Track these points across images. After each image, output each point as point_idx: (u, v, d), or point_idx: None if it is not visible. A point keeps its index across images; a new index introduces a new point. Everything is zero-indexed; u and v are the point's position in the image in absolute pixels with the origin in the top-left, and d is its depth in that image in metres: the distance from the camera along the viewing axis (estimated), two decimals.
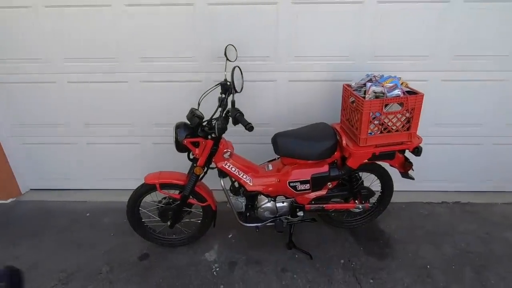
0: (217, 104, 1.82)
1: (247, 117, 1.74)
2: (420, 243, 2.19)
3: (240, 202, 2.03)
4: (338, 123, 2.16)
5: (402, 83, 1.89)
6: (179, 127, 1.81)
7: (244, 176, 1.95)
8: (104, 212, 2.55)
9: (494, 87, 2.33)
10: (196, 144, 1.83)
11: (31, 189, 2.88)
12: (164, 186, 1.94)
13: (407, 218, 2.44)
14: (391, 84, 1.82)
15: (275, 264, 2.03)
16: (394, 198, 2.25)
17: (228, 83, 1.77)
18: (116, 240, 2.25)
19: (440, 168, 2.63)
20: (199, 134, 1.81)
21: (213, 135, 1.82)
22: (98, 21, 2.21)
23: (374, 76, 1.95)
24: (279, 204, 2.02)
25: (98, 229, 2.37)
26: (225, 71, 1.81)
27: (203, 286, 1.89)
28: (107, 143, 2.63)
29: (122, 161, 2.69)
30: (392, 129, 1.83)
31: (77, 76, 2.38)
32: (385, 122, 1.81)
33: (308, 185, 1.95)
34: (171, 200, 2.02)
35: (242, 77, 1.85)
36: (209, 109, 1.84)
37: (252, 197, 2.03)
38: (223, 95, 1.81)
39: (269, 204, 2.01)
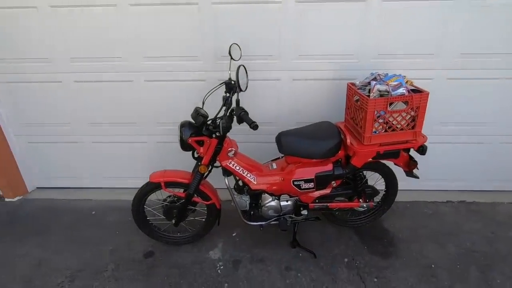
0: (221, 103, 1.83)
1: (251, 116, 1.74)
2: (424, 242, 2.18)
3: (244, 200, 2.04)
4: (342, 122, 2.16)
5: (407, 82, 1.88)
6: (183, 126, 1.82)
7: (248, 175, 1.95)
8: (109, 210, 2.57)
9: (500, 85, 2.30)
10: (200, 143, 1.84)
11: (37, 188, 2.91)
12: (169, 184, 1.95)
13: (411, 217, 2.43)
14: (396, 83, 1.81)
15: (279, 263, 2.04)
16: (399, 197, 2.24)
17: (233, 82, 1.78)
18: (121, 238, 2.27)
19: (445, 167, 2.62)
20: (203, 133, 1.82)
21: (217, 134, 1.83)
22: (103, 21, 2.22)
23: (378, 74, 1.95)
24: (283, 203, 2.03)
25: (103, 227, 2.39)
26: (230, 70, 1.81)
27: (208, 284, 1.91)
28: (112, 142, 2.64)
29: (127, 159, 2.71)
30: (397, 127, 1.82)
31: (83, 76, 2.40)
32: (389, 121, 1.80)
33: (312, 183, 1.95)
34: (175, 199, 2.03)
35: (247, 76, 1.86)
36: (213, 108, 1.85)
37: (256, 196, 2.04)
38: (228, 94, 1.82)
39: (273, 203, 2.01)
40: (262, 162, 2.13)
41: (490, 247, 2.13)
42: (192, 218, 2.16)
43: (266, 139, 2.41)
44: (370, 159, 1.91)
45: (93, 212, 2.57)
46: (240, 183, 2.05)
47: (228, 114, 1.81)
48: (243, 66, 1.78)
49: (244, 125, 1.71)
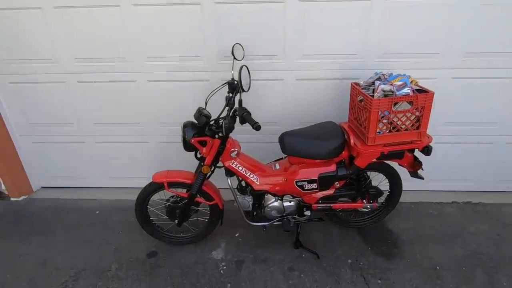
0: (224, 103, 1.83)
1: (254, 116, 1.74)
2: (429, 243, 2.16)
3: (247, 201, 2.03)
4: (346, 122, 2.14)
5: (411, 81, 1.85)
6: (186, 126, 1.82)
7: (251, 175, 1.95)
8: (113, 210, 2.59)
9: (506, 84, 2.27)
10: (203, 143, 1.84)
11: (42, 187, 2.94)
12: (171, 184, 1.95)
13: (416, 218, 2.41)
14: (400, 83, 1.79)
15: (282, 263, 2.03)
16: (403, 198, 2.22)
17: (235, 82, 1.77)
18: (125, 237, 2.28)
19: (451, 168, 2.59)
20: (206, 133, 1.82)
21: (220, 134, 1.83)
22: (106, 21, 2.23)
23: (383, 74, 1.92)
24: (286, 204, 2.02)
25: (107, 227, 2.40)
26: (232, 70, 1.81)
27: (210, 284, 1.91)
28: (115, 142, 2.66)
29: (131, 159, 2.72)
30: (401, 128, 1.80)
31: (86, 76, 2.41)
32: (394, 121, 1.78)
33: (316, 184, 1.94)
34: (178, 199, 2.03)
35: (250, 76, 1.85)
36: (216, 108, 1.85)
37: (259, 196, 2.03)
38: (231, 94, 1.81)
39: (276, 203, 2.01)
40: (265, 162, 2.12)
41: (496, 249, 2.10)
42: (195, 218, 2.16)
43: (269, 139, 2.41)
44: (374, 160, 1.90)
45: (97, 212, 2.58)
46: (243, 183, 2.05)
47: (231, 114, 1.81)
48: (246, 66, 1.77)
49: (247, 126, 1.70)
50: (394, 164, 2.03)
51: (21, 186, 2.79)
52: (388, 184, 2.18)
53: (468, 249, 2.10)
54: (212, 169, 1.94)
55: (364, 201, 2.07)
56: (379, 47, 2.21)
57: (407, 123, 1.79)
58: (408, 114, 1.77)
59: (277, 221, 2.05)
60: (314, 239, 2.21)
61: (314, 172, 1.93)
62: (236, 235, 2.28)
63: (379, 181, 2.20)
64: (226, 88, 1.84)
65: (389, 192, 2.21)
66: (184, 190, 2.00)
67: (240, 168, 1.92)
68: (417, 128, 1.81)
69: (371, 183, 2.14)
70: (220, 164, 1.95)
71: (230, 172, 1.95)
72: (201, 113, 1.80)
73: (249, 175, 1.94)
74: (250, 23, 2.18)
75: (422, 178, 2.01)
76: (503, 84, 2.27)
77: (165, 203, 2.06)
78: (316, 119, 2.25)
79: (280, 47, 2.24)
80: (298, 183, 1.94)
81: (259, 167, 2.01)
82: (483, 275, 1.91)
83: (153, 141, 2.64)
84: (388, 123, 1.79)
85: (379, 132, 1.81)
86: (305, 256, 2.09)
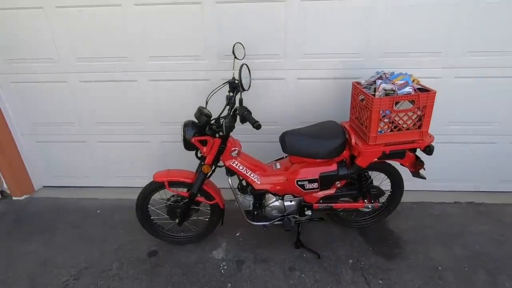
0: (225, 102, 1.82)
1: (255, 115, 1.74)
2: (431, 244, 2.14)
3: (248, 200, 2.03)
4: (347, 122, 2.13)
5: (413, 80, 1.84)
6: (187, 125, 1.82)
7: (252, 175, 1.94)
8: (114, 209, 2.59)
9: (510, 84, 2.25)
10: (204, 143, 1.83)
11: (44, 186, 2.95)
12: (172, 184, 1.95)
13: (417, 218, 2.39)
14: (402, 82, 1.78)
15: (283, 263, 2.03)
16: (405, 198, 2.21)
17: (236, 81, 1.77)
18: (126, 237, 2.29)
19: (453, 168, 2.57)
20: (207, 132, 1.82)
21: (221, 134, 1.82)
22: (108, 21, 2.23)
23: (384, 73, 1.92)
24: (287, 203, 2.01)
25: (108, 226, 2.40)
26: (233, 69, 1.80)
27: (211, 284, 1.90)
28: (117, 141, 2.66)
29: (132, 159, 2.73)
30: (403, 127, 1.79)
31: (88, 76, 2.42)
32: (395, 120, 1.77)
33: (316, 184, 1.93)
34: (179, 198, 2.03)
35: (250, 75, 1.85)
36: (217, 108, 1.84)
37: (259, 196, 2.02)
38: (231, 93, 1.81)
39: (277, 203, 2.00)
40: (266, 162, 2.12)
41: (499, 249, 2.08)
42: (195, 218, 2.16)
43: (270, 139, 2.40)
44: (376, 159, 1.89)
45: (99, 211, 2.59)
46: (244, 183, 2.05)
47: (231, 113, 1.80)
48: (246, 65, 1.77)
49: (248, 125, 1.70)
50: (395, 163, 2.01)
51: (23, 185, 2.80)
52: (389, 183, 2.16)
53: (470, 249, 2.09)
54: (212, 168, 1.94)
55: (365, 201, 2.05)
56: (380, 46, 2.20)
57: (408, 122, 1.78)
58: (410, 113, 1.76)
59: (278, 220, 2.04)
60: (315, 239, 2.20)
61: (315, 172, 1.92)
62: (237, 234, 2.28)
63: (381, 180, 2.18)
64: (227, 87, 1.84)
65: (390, 192, 2.20)
66: (185, 190, 2.00)
67: (241, 167, 1.92)
68: (419, 127, 1.80)
69: (372, 183, 2.13)
70: (220, 163, 1.95)
71: (230, 172, 1.94)
72: (201, 112, 1.79)
73: (249, 175, 1.94)
74: (251, 22, 2.18)
75: (424, 178, 1.99)
76: (507, 83, 2.25)
77: (166, 203, 2.05)
78: (317, 118, 2.24)
79: (281, 46, 2.24)
80: (299, 183, 1.93)
81: (259, 166, 2.01)
82: (486, 276, 1.90)
83: (154, 141, 2.64)
84: (390, 122, 1.78)
85: (381, 132, 1.80)
86: (306, 256, 2.08)
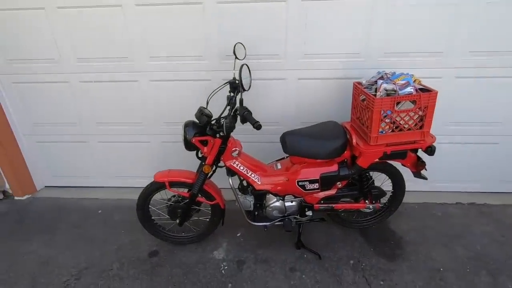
0: (225, 102, 1.82)
1: (256, 115, 1.73)
2: (432, 244, 2.13)
3: (249, 201, 2.02)
4: (348, 122, 2.13)
5: (415, 80, 1.84)
6: (188, 125, 1.82)
7: (253, 175, 1.94)
8: (115, 209, 2.59)
9: (511, 84, 2.24)
10: (204, 143, 1.83)
11: (46, 186, 2.96)
12: (173, 184, 1.95)
13: (419, 218, 2.38)
14: (403, 82, 1.77)
15: (284, 264, 2.02)
16: (406, 198, 2.20)
17: (237, 82, 1.77)
18: (126, 237, 2.29)
19: (455, 168, 2.56)
20: (207, 132, 1.82)
21: (221, 134, 1.82)
22: (108, 21, 2.23)
23: (385, 73, 1.91)
24: (287, 204, 2.01)
25: (109, 226, 2.41)
26: (234, 69, 1.80)
27: (211, 284, 1.90)
28: (117, 142, 2.67)
29: (133, 159, 2.73)
30: (404, 127, 1.78)
31: (89, 76, 2.42)
32: (396, 121, 1.76)
33: (317, 184, 1.93)
34: (180, 198, 2.03)
35: (250, 75, 1.85)
36: (218, 108, 1.84)
37: (260, 196, 2.02)
38: (232, 94, 1.81)
39: (277, 203, 2.00)
40: (267, 162, 2.11)
41: (501, 250, 2.07)
42: (196, 218, 2.16)
43: (270, 139, 2.40)
44: (377, 160, 1.88)
45: (100, 211, 2.59)
46: (244, 183, 2.04)
47: (232, 113, 1.80)
48: (246, 65, 1.77)
49: (248, 125, 1.70)
50: (397, 164, 2.01)
51: (25, 185, 2.81)
52: (390, 184, 2.15)
53: (472, 250, 2.08)
54: (213, 168, 1.93)
55: (366, 201, 2.05)
56: (381, 46, 2.19)
57: (410, 122, 1.77)
58: (411, 114, 1.75)
59: (279, 221, 2.04)
60: (316, 240, 2.19)
61: (315, 172, 1.92)
62: (238, 235, 2.27)
63: (382, 181, 2.17)
64: (228, 87, 1.84)
65: (392, 192, 2.19)
66: (186, 190, 2.00)
67: (242, 167, 1.92)
68: (420, 127, 1.79)
69: (373, 183, 2.12)
70: (221, 163, 1.95)
71: (231, 172, 1.94)
72: (202, 113, 1.79)
73: (250, 175, 1.94)
74: (252, 23, 2.17)
75: (426, 179, 1.98)
76: (508, 83, 2.24)
77: (167, 203, 2.05)
78: (318, 118, 2.24)
79: (282, 46, 2.23)
80: (300, 183, 1.93)
81: (260, 166, 2.00)
82: (487, 277, 1.88)
83: (155, 141, 2.64)
84: (391, 123, 1.77)
85: (382, 132, 1.79)
86: (306, 256, 2.08)
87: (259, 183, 1.95)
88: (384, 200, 2.18)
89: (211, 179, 2.03)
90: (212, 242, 2.21)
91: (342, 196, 2.05)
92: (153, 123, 2.57)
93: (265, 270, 1.99)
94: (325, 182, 1.93)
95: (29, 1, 2.21)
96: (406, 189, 2.15)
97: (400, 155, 1.87)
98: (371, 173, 2.10)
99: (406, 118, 1.76)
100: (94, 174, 2.84)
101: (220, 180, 2.04)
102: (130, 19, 2.22)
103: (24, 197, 2.81)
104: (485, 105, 2.31)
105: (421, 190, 2.57)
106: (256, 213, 2.04)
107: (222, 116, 1.82)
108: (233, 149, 1.87)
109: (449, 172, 2.58)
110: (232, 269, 2.00)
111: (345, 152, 1.92)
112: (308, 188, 1.94)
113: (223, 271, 1.99)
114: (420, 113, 1.76)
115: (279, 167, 2.05)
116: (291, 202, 2.01)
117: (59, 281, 1.95)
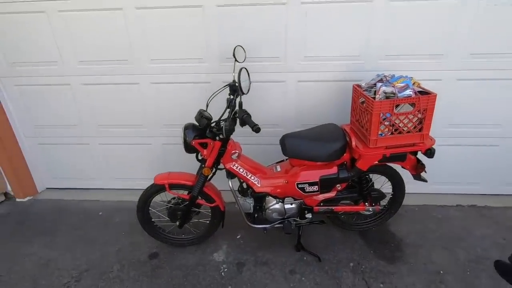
0: (225, 105, 1.83)
1: (256, 117, 1.74)
2: (433, 247, 2.13)
3: (248, 203, 2.03)
4: (347, 124, 2.13)
5: (414, 83, 1.84)
6: (187, 128, 1.83)
7: (252, 177, 1.94)
8: (116, 211, 2.60)
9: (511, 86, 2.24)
10: (204, 145, 1.84)
11: (47, 188, 2.97)
12: (173, 186, 1.96)
13: (419, 221, 2.38)
14: (402, 84, 1.77)
15: (283, 266, 2.02)
16: (406, 201, 2.20)
17: (236, 84, 1.77)
18: (127, 239, 2.30)
19: (455, 170, 2.55)
20: (207, 135, 1.82)
21: (221, 136, 1.83)
22: (110, 24, 2.25)
23: (385, 76, 1.91)
24: (287, 206, 2.01)
25: (110, 228, 2.42)
26: (234, 72, 1.81)
27: (211, 286, 1.90)
28: (118, 144, 2.68)
29: (133, 161, 2.74)
30: (403, 130, 1.78)
31: (90, 79, 2.44)
32: (396, 123, 1.76)
33: (317, 187, 1.93)
34: (180, 201, 2.03)
35: (249, 78, 1.85)
36: (217, 110, 1.85)
37: (260, 198, 2.02)
38: (231, 96, 1.82)
39: (277, 206, 2.00)
40: (266, 164, 2.12)
41: (501, 253, 2.06)
42: (196, 220, 2.16)
43: (270, 141, 2.40)
44: (376, 162, 1.88)
45: (100, 213, 2.60)
46: (244, 185, 2.05)
47: (231, 116, 1.81)
48: (245, 68, 1.77)
49: (248, 127, 1.70)
50: (397, 166, 2.01)
51: (26, 187, 2.83)
52: (390, 186, 2.15)
53: (472, 253, 2.07)
54: (213, 171, 1.94)
55: (366, 204, 2.05)
56: (381, 49, 2.19)
57: (409, 125, 1.77)
58: (410, 116, 1.75)
59: (278, 223, 2.04)
60: (316, 242, 2.19)
61: (315, 175, 1.92)
62: (237, 237, 2.28)
63: (382, 183, 2.17)
64: (228, 90, 1.85)
65: (391, 195, 2.19)
66: (186, 192, 2.00)
67: (241, 170, 1.92)
68: (420, 130, 1.79)
69: (373, 186, 2.12)
70: (221, 166, 1.95)
71: (231, 174, 1.95)
72: (202, 115, 1.80)
73: (250, 177, 1.94)
74: (252, 25, 2.18)
75: (426, 181, 1.98)
76: (509, 85, 2.23)
77: (167, 205, 2.06)
78: (317, 121, 2.24)
79: (281, 49, 2.24)
80: (299, 186, 1.93)
81: (260, 169, 2.01)
82: (488, 280, 1.88)
83: (155, 143, 2.65)
84: (390, 125, 1.78)
85: (381, 134, 1.79)
86: (306, 259, 2.08)
87: (259, 185, 1.95)
88: (384, 202, 2.18)
89: (211, 181, 2.04)
90: (212, 244, 2.22)
91: (341, 199, 2.05)
92: (153, 126, 2.58)
93: (265, 272, 1.99)
94: (325, 184, 1.93)
95: (30, 5, 2.23)
96: (406, 192, 2.15)
97: (399, 158, 1.87)
98: (370, 175, 2.10)
99: (405, 121, 1.76)
100: (94, 176, 2.85)
101: (220, 182, 2.05)
102: (130, 22, 2.24)
103: (25, 199, 2.82)
104: (485, 107, 2.31)
105: (421, 192, 2.57)
106: (256, 215, 2.04)
107: (222, 118, 1.83)
108: (233, 151, 1.88)
109: (449, 174, 2.57)
110: (232, 271, 2.01)
111: (345, 154, 1.92)
112: (307, 190, 1.94)
113: (223, 273, 1.99)
114: (419, 115, 1.76)
115: (279, 169, 2.06)
116: (291, 204, 2.02)
117: (59, 282, 1.96)
